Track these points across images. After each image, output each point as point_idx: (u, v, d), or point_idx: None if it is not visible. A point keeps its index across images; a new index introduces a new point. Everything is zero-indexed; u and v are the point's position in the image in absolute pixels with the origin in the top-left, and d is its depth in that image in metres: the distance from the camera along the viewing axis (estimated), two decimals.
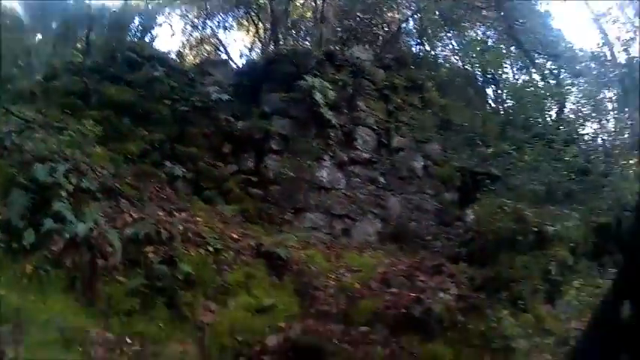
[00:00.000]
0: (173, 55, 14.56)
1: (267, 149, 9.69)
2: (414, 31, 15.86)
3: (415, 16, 15.41)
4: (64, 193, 5.57)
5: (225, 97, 9.82)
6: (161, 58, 11.68)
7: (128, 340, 4.76)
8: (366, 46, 12.97)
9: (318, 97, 9.53)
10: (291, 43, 14.95)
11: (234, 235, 7.51)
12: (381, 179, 11.01)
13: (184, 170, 9.06)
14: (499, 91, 15.61)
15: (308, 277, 6.83)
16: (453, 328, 6.16)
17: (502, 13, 15.06)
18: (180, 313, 5.44)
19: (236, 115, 10.13)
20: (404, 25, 15.51)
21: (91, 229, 5.43)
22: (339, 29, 14.90)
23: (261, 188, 9.38)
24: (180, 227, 6.44)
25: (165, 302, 5.47)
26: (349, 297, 6.82)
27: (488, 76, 15.15)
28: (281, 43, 14.41)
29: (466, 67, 15.77)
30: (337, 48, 12.21)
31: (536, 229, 8.15)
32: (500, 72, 15.15)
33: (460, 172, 12.22)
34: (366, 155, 10.74)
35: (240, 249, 6.67)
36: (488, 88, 15.97)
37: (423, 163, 11.79)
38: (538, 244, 8.08)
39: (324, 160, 9.94)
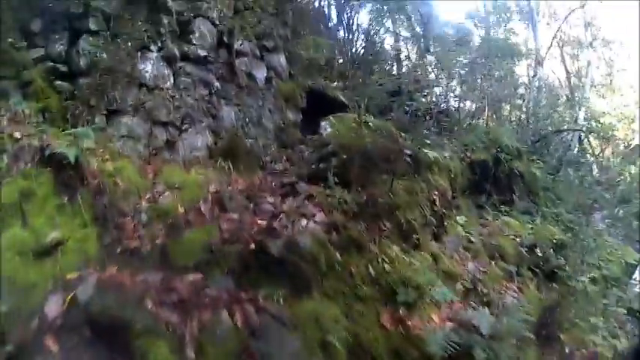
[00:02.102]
0: None
1: (84, 29, 7.39)
2: None
3: None
4: None
5: None
6: None
7: None
8: None
9: None
10: None
11: (16, 135, 5.49)
12: (216, 84, 9.45)
13: None
14: (350, 36, 14.93)
15: (111, 196, 5.22)
16: (331, 271, 5.01)
17: None
18: None
19: None
20: None
21: None
22: None
23: (70, 81, 7.18)
24: None
25: None
26: (170, 226, 5.46)
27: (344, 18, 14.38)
28: None
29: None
30: None
31: (409, 153, 7.35)
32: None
33: (307, 92, 11.31)
34: (201, 52, 9.01)
35: (18, 153, 4.75)
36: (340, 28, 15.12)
37: (266, 75, 10.52)
38: (414, 170, 7.45)
39: (151, 50, 8.01)
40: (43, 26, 7.37)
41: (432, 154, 8.23)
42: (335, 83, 12.48)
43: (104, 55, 7.32)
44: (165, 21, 8.17)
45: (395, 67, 15.42)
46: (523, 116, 13.68)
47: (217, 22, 9.29)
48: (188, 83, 8.81)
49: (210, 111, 9.25)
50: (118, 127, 7.48)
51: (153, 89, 8.06)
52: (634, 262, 9.15)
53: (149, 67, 7.98)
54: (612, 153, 14.87)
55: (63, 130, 6.25)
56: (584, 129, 12.57)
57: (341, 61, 14.01)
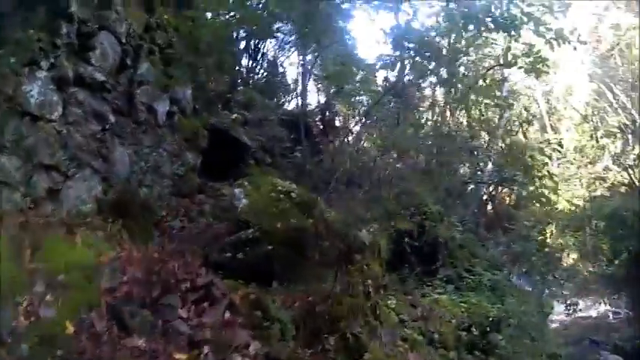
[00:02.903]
0: None
1: None
2: None
3: None
4: None
5: None
6: None
7: None
8: None
9: None
10: None
11: None
12: (111, 118, 7.39)
13: None
14: (255, 65, 13.69)
15: None
16: None
17: None
18: None
19: None
20: None
21: None
22: None
23: None
24: None
25: None
26: None
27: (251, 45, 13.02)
28: None
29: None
30: None
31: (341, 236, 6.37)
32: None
33: (209, 130, 9.64)
34: (99, 76, 6.95)
35: None
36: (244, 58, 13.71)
37: (168, 109, 8.64)
38: (346, 258, 6.37)
39: (41, 68, 5.80)
40: None
41: (365, 236, 7.37)
42: (234, 115, 11.01)
43: None
44: (65, 30, 6.05)
45: (299, 103, 14.49)
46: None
47: (124, 40, 7.30)
48: (79, 115, 6.67)
49: (101, 152, 7.16)
50: None
51: (38, 120, 5.82)
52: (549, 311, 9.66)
53: (36, 90, 5.75)
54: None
55: None
56: (494, 180, 12.80)
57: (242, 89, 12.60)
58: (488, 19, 6.28)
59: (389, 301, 8.16)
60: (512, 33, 6.25)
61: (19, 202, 5.46)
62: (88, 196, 6.71)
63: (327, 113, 12.57)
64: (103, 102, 7.15)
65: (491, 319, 8.03)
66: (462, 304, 8.44)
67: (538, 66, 7.12)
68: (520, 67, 8.00)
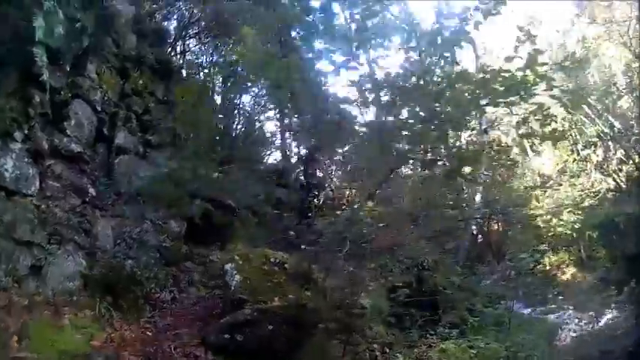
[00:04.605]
0: None
1: None
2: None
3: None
4: None
5: None
6: None
7: None
8: None
9: (38, 24, 5.15)
10: None
11: None
12: (91, 190, 7.05)
13: None
14: (231, 120, 13.64)
15: None
16: None
17: None
18: None
19: None
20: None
21: None
22: None
23: None
24: None
25: None
26: None
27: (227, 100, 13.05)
28: None
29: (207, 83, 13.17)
30: None
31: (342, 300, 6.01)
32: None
33: (192, 195, 9.27)
34: (76, 147, 6.66)
35: None
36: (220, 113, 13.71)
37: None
38: (346, 328, 5.93)
39: (15, 140, 5.48)
40: None
41: (364, 301, 7.08)
42: (215, 174, 10.70)
43: None
44: (37, 99, 5.76)
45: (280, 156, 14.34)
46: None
47: (99, 108, 7.08)
48: (57, 189, 6.33)
49: (83, 226, 6.75)
50: None
51: (14, 195, 5.43)
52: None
53: (10, 163, 5.40)
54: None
55: None
56: (483, 215, 12.50)
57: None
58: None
59: None
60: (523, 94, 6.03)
61: (1, 281, 5.00)
62: (72, 272, 6.21)
63: (309, 166, 12.38)
64: (81, 174, 6.85)
65: (501, 359, 7.61)
66: (470, 349, 8.03)
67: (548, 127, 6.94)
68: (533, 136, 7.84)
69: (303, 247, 8.43)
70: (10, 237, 5.24)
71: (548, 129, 6.37)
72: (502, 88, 5.63)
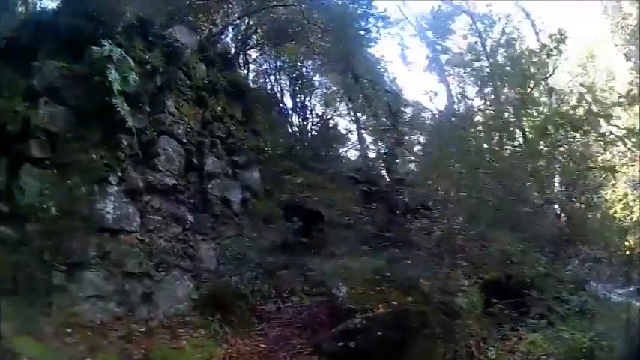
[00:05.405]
0: None
1: (25, 155, 5.34)
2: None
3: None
4: None
5: None
6: None
7: None
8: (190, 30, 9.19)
9: (112, 76, 5.65)
10: None
11: None
12: (189, 217, 7.51)
13: None
14: (305, 122, 14.04)
15: None
16: None
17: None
18: None
19: None
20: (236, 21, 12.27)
21: None
22: None
23: (15, 226, 5.01)
24: None
25: None
26: None
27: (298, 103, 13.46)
28: None
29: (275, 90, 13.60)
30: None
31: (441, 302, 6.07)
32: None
33: (284, 208, 9.54)
34: (169, 181, 7.13)
35: None
36: (293, 116, 14.19)
37: (241, 196, 8.68)
38: (446, 324, 5.92)
39: (111, 183, 6.00)
40: None
41: (461, 300, 6.90)
42: (299, 179, 10.94)
43: (48, 192, 5.21)
44: (125, 143, 6.28)
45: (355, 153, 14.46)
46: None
47: (184, 140, 7.52)
48: (158, 221, 6.82)
49: (186, 251, 7.24)
50: (83, 284, 5.41)
51: (117, 232, 5.98)
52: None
53: (110, 206, 5.94)
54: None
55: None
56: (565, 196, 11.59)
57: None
58: None
59: (489, 353, 7.42)
60: None
61: (115, 311, 5.52)
62: (181, 295, 6.73)
63: (390, 162, 12.16)
64: (178, 204, 7.31)
65: (584, 349, 7.05)
66: (556, 340, 7.54)
67: None
68: None
69: (397, 250, 8.40)
70: (120, 271, 5.77)
71: None
72: None
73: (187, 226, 7.39)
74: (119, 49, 5.98)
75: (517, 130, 7.54)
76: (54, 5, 9.27)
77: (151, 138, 6.84)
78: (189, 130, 7.65)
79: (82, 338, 4.71)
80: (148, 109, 6.84)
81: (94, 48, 5.88)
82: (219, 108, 8.50)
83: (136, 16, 7.23)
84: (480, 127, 8.61)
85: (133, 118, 6.31)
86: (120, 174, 6.15)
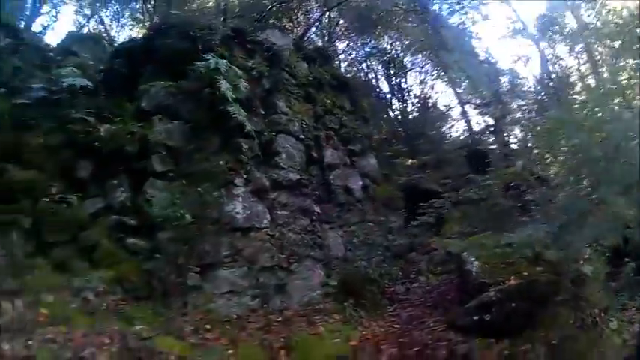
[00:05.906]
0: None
1: (148, 171, 6.02)
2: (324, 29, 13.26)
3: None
4: None
5: (83, 82, 6.05)
6: (11, 28, 7.78)
7: None
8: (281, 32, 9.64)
9: (224, 87, 6.10)
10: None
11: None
12: (316, 208, 7.84)
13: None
14: (404, 105, 13.97)
15: None
16: None
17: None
18: None
19: (101, 114, 6.33)
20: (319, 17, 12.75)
21: None
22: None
23: (144, 237, 5.68)
24: None
25: None
26: None
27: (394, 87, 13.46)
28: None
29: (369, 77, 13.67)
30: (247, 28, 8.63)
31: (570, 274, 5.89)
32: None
33: (403, 191, 9.53)
34: (293, 176, 7.49)
35: None
36: (392, 100, 14.20)
37: (361, 183, 8.85)
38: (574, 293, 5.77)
39: (237, 185, 6.49)
40: (94, 170, 6.06)
41: (586, 268, 6.46)
42: (410, 161, 10.82)
43: (178, 200, 5.78)
44: (246, 146, 6.73)
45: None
46: None
47: (301, 136, 7.86)
48: (286, 216, 7.24)
49: (315, 241, 7.57)
50: (217, 282, 5.96)
51: (248, 230, 6.46)
52: None
53: (239, 206, 6.42)
54: None
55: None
56: None
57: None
58: None
59: (610, 324, 6.79)
60: None
61: (249, 304, 5.99)
62: (313, 284, 7.06)
63: (498, 136, 11.53)
64: (303, 197, 7.69)
65: None
66: None
67: None
68: None
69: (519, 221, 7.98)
70: (253, 267, 6.25)
71: None
72: None
73: (314, 217, 7.75)
74: (223, 61, 6.43)
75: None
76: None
77: (269, 138, 7.26)
78: (304, 126, 7.99)
79: (221, 332, 5.14)
80: (262, 112, 7.27)
81: (198, 63, 6.37)
82: (327, 101, 8.75)
83: (230, 27, 7.72)
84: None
85: (249, 123, 6.75)
86: (245, 176, 6.63)
